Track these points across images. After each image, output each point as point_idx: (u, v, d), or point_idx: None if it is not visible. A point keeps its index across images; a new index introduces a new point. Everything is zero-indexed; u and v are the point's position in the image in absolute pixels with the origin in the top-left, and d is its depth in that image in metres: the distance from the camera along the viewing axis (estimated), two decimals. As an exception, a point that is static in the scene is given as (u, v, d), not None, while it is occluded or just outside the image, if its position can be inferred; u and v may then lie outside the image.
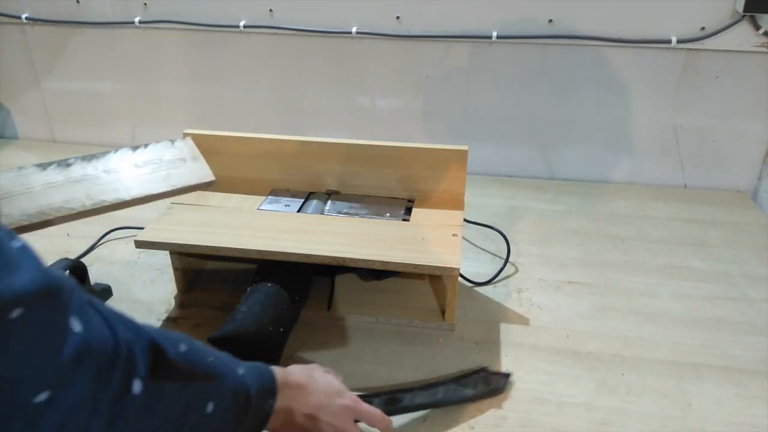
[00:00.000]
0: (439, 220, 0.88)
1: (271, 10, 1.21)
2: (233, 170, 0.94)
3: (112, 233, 1.05)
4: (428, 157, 0.91)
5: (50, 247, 1.02)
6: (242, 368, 0.51)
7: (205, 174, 0.75)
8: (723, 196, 1.17)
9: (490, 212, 1.11)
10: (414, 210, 0.91)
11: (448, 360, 0.78)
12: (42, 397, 0.32)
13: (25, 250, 0.34)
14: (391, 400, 0.70)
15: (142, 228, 0.87)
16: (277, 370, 0.56)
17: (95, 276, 0.92)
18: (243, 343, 0.71)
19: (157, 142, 0.78)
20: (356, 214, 0.90)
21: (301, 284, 0.83)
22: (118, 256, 1.00)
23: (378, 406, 0.68)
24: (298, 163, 0.95)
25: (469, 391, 0.72)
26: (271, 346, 0.75)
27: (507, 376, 0.75)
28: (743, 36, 1.07)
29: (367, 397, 0.67)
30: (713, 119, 1.16)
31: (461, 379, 0.74)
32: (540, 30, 1.13)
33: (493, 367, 0.76)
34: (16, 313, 0.31)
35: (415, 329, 0.83)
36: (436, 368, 0.76)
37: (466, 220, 1.02)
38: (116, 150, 0.74)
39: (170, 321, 0.86)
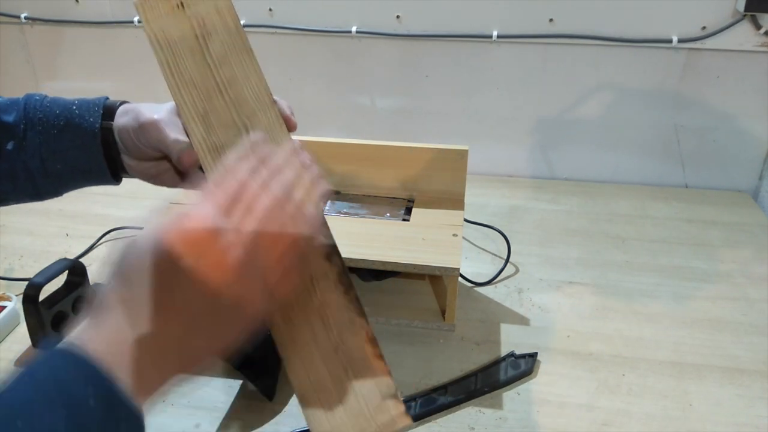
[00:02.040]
0: (439, 220, 0.87)
1: (270, 10, 1.21)
2: (233, 170, 0.93)
3: (111, 233, 1.05)
4: (428, 157, 0.90)
5: (49, 247, 1.02)
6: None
7: None
8: (724, 195, 1.17)
9: (490, 212, 1.11)
10: (414, 210, 0.91)
11: (448, 360, 0.77)
12: None
13: None
14: (427, 401, 0.70)
15: (141, 228, 0.87)
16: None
17: (95, 276, 0.92)
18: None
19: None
20: (356, 214, 0.90)
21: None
22: (118, 256, 1.00)
23: (416, 409, 0.68)
24: (298, 163, 0.94)
25: (500, 377, 0.73)
26: (270, 348, 0.74)
27: (534, 356, 0.76)
28: (744, 35, 1.06)
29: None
30: (714, 119, 1.16)
31: (490, 367, 0.75)
32: (540, 29, 1.12)
33: (519, 351, 0.77)
34: None
35: (415, 330, 0.83)
36: (436, 369, 0.76)
37: (466, 220, 1.02)
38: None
39: (169, 321, 0.85)
